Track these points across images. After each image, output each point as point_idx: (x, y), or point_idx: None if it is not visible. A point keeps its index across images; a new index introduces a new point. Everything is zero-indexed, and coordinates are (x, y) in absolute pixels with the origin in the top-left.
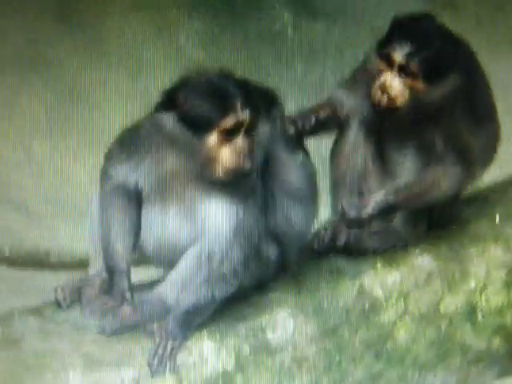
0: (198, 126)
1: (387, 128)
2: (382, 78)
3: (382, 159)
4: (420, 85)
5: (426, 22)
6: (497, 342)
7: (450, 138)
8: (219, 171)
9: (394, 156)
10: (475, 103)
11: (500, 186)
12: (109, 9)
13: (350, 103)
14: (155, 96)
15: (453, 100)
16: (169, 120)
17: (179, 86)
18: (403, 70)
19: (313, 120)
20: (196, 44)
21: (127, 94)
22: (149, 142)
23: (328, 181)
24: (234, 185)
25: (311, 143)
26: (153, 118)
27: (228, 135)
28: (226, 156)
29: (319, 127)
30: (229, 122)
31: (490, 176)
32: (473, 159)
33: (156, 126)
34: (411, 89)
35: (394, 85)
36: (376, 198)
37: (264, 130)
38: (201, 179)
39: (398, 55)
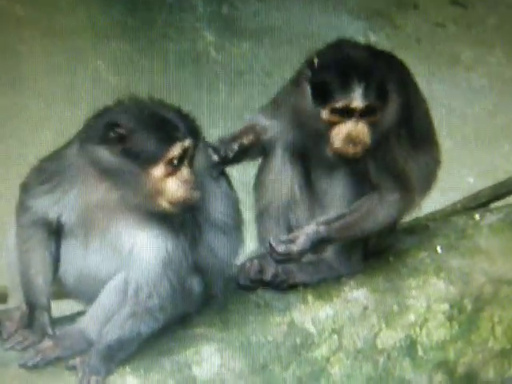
0: (143, 158)
1: (315, 154)
2: (345, 130)
3: (310, 187)
4: (377, 118)
5: (354, 53)
6: (439, 377)
7: (385, 164)
8: (165, 203)
9: (322, 184)
10: (413, 128)
11: (442, 214)
12: (22, 33)
13: (273, 128)
14: (71, 122)
15: (387, 131)
16: (105, 152)
17: (114, 116)
18: (364, 113)
19: (236, 147)
20: (114, 68)
21: (42, 121)
22: (75, 174)
23: (253, 210)
24: (165, 218)
25: (235, 171)
26: (83, 150)
27: (173, 166)
28: (174, 188)
29: (242, 154)
30: (175, 151)
31: (431, 203)
32: (411, 186)
33: (87, 158)
34: (371, 125)
35: (361, 131)
36: (306, 231)
37: (197, 157)
38: (132, 212)
39: (358, 102)
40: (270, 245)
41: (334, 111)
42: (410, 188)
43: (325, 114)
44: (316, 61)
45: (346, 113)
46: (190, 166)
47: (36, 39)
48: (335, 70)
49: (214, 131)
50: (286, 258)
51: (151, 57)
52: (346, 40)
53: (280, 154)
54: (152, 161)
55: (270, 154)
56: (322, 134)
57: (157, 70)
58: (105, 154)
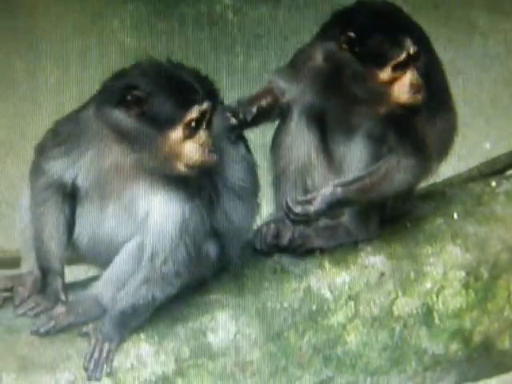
0: (161, 122)
1: (332, 118)
2: (408, 80)
3: (327, 151)
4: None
5: (388, 9)
6: (454, 346)
7: (403, 130)
8: (182, 166)
9: (340, 148)
10: (430, 93)
11: (458, 180)
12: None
13: (291, 90)
14: (88, 85)
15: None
16: (121, 115)
17: (131, 79)
18: (415, 60)
19: (254, 110)
20: (130, 30)
21: (58, 84)
22: (91, 136)
23: (270, 173)
24: (181, 182)
25: (252, 134)
26: (99, 112)
27: (191, 129)
28: (191, 151)
29: (261, 117)
30: (193, 114)
31: (448, 169)
32: (428, 151)
33: (104, 121)
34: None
35: (418, 78)
36: (323, 192)
37: (215, 120)
38: (148, 176)
39: (413, 49)
40: (287, 205)
41: (396, 67)
42: (427, 154)
43: (385, 73)
44: (353, 25)
45: (406, 64)
46: (208, 128)
47: (51, 1)
48: (383, 28)
49: (232, 94)
50: (303, 219)
51: (168, 19)
52: (365, 1)
53: (297, 117)
54: (170, 124)
55: (287, 116)
56: (354, 96)
57: (174, 33)
58: (122, 116)
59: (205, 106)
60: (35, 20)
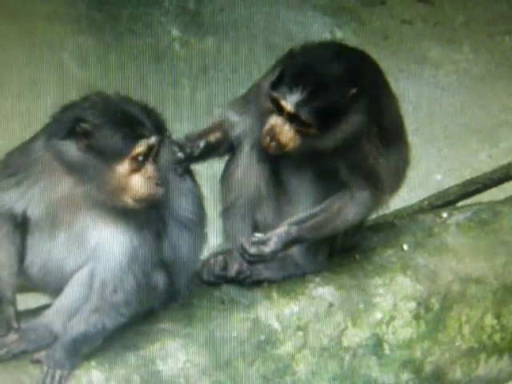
0: (108, 155)
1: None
2: (271, 122)
3: (277, 184)
4: (312, 131)
5: (321, 59)
6: (405, 376)
7: (355, 164)
8: (129, 200)
9: (291, 182)
10: (383, 127)
11: (409, 211)
12: None
13: (242, 124)
14: (38, 116)
15: (355, 135)
16: (69, 148)
17: (79, 111)
18: (293, 119)
19: (202, 145)
20: (80, 62)
21: (9, 115)
22: (41, 168)
23: (218, 206)
24: (130, 213)
25: (200, 165)
26: (48, 144)
27: (138, 163)
28: (138, 184)
29: (209, 152)
30: (140, 148)
31: (398, 200)
32: (381, 184)
33: (53, 153)
34: (304, 134)
35: (284, 131)
36: (278, 232)
37: (162, 153)
38: (97, 206)
39: (288, 104)
40: (242, 246)
41: (271, 100)
42: (380, 186)
43: (267, 101)
44: (282, 60)
45: (280, 109)
46: (155, 162)
47: (1, 32)
48: (290, 70)
49: (178, 126)
50: (258, 260)
51: (117, 51)
52: (326, 41)
53: (248, 150)
54: (117, 157)
55: (237, 149)
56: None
57: (122, 65)
58: (70, 148)
59: (152, 140)
60: None
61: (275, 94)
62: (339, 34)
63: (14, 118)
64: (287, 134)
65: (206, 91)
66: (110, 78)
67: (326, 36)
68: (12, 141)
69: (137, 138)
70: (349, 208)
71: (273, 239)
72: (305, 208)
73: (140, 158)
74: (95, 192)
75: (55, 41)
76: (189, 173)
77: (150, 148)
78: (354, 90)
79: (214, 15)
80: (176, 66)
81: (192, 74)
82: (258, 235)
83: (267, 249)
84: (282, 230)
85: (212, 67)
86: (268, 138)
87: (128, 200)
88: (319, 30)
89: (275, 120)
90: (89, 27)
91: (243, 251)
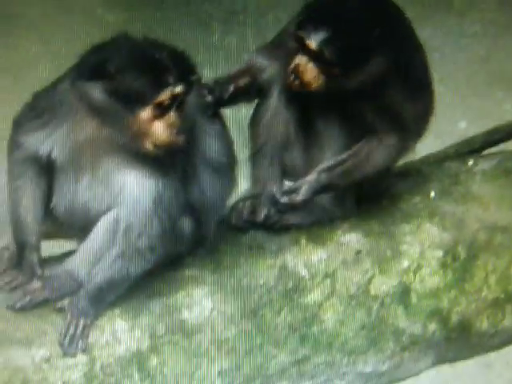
0: (131, 100)
1: (312, 97)
2: (296, 61)
3: (306, 129)
4: (336, 71)
5: (348, 2)
6: (432, 326)
7: (381, 108)
8: (150, 146)
9: (319, 126)
10: (408, 75)
11: (435, 158)
12: None
13: (271, 69)
14: (68, 59)
15: (380, 79)
16: (94, 89)
17: (107, 53)
18: (317, 57)
19: (231, 88)
20: (109, 5)
21: (37, 58)
22: (66, 109)
23: (246, 151)
24: (155, 156)
25: (229, 109)
26: (74, 85)
27: (161, 109)
28: (159, 131)
29: (238, 96)
30: (164, 96)
31: (424, 147)
32: (407, 128)
33: (78, 94)
34: (327, 74)
35: (308, 70)
36: (308, 180)
37: (190, 98)
38: (122, 150)
39: (312, 42)
40: (273, 196)
41: (296, 39)
42: (407, 131)
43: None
44: (309, 4)
45: (304, 48)
46: (181, 109)
47: None
48: (315, 10)
49: (207, 71)
50: (289, 208)
51: None
52: None
53: (276, 95)
54: (139, 103)
55: (266, 94)
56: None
57: (152, 8)
58: (94, 90)
59: (177, 89)
60: None
61: (300, 33)
62: None
63: (44, 61)
64: (311, 72)
65: (235, 35)
66: (140, 23)
67: None
68: (41, 84)
69: (161, 85)
70: (377, 152)
71: (303, 187)
72: (334, 153)
73: (163, 105)
74: (118, 136)
75: None
76: (218, 116)
77: (175, 96)
78: (378, 31)
79: None
80: (205, 10)
81: (221, 18)
82: (289, 184)
83: (298, 197)
84: (312, 177)
85: (241, 11)
86: (292, 76)
87: (149, 145)
88: None
89: (300, 59)
90: None
91: (274, 201)
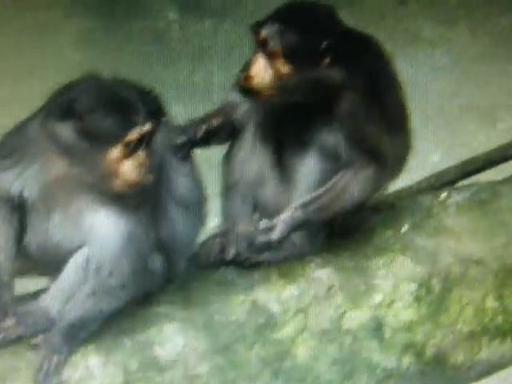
0: (100, 139)
1: (286, 131)
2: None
3: (280, 165)
4: (281, 65)
5: (312, 8)
6: (407, 360)
7: (356, 139)
8: (119, 185)
9: (293, 162)
10: (383, 106)
11: (408, 192)
12: None
13: (245, 105)
14: (37, 98)
15: (336, 95)
16: (63, 129)
17: (74, 94)
18: (264, 48)
19: (204, 128)
20: (76, 44)
21: (8, 100)
22: (36, 148)
23: (216, 187)
24: (125, 195)
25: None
26: (44, 125)
27: (130, 149)
28: (128, 171)
29: (211, 137)
30: (133, 136)
31: (397, 181)
32: (385, 160)
33: (47, 134)
34: (275, 68)
35: (256, 62)
36: (283, 218)
37: (159, 136)
38: (92, 189)
39: (261, 32)
40: (249, 235)
41: (253, 33)
42: (384, 164)
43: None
44: None
45: (257, 41)
46: (148, 148)
47: (1, 15)
48: (275, 10)
49: (177, 107)
50: (266, 247)
51: (114, 34)
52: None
53: (251, 131)
54: (108, 142)
55: (240, 132)
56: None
57: (120, 48)
58: (63, 130)
59: (146, 127)
60: None
61: (253, 27)
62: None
63: (13, 102)
64: (259, 65)
65: (202, 73)
66: (108, 61)
67: None
68: (12, 123)
69: (130, 125)
70: (353, 185)
71: (279, 225)
72: (309, 188)
73: (132, 145)
74: (87, 175)
75: (52, 24)
76: (189, 156)
77: (143, 135)
78: (327, 41)
79: None
80: (174, 48)
81: (189, 55)
82: (262, 222)
83: (274, 236)
84: (287, 214)
85: (210, 48)
86: (243, 73)
87: (118, 185)
88: None
89: (254, 55)
90: (86, 11)
91: (250, 240)
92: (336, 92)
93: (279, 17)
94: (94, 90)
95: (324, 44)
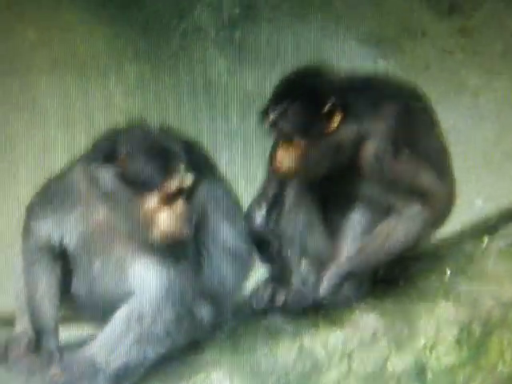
0: (138, 185)
1: (330, 185)
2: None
3: (326, 217)
4: (298, 143)
5: (302, 76)
6: None
7: (392, 182)
8: (155, 234)
9: (339, 213)
10: (414, 141)
11: (449, 239)
12: (35, 57)
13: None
14: (83, 144)
15: (371, 147)
16: (105, 174)
17: (119, 139)
18: (278, 131)
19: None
20: (126, 91)
21: (55, 146)
22: (77, 195)
23: None
24: (166, 245)
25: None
26: (85, 169)
27: (169, 198)
28: (165, 220)
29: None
30: (171, 185)
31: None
32: (430, 194)
33: (89, 179)
34: (295, 148)
35: (280, 151)
36: (331, 274)
37: (201, 188)
38: (132, 236)
39: (270, 117)
40: (299, 294)
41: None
42: (431, 197)
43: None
44: None
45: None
46: (188, 199)
47: (48, 63)
48: (274, 90)
49: (225, 155)
50: (316, 303)
51: (164, 81)
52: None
53: (295, 187)
54: (147, 189)
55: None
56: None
57: (169, 95)
58: (104, 174)
59: (186, 178)
60: (32, 81)
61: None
62: (382, 64)
63: (59, 148)
64: (282, 151)
65: (252, 122)
66: (156, 108)
67: (369, 66)
68: (56, 171)
69: (169, 174)
70: (398, 228)
71: (326, 281)
72: (355, 240)
73: (170, 195)
74: (125, 222)
75: (102, 70)
76: (233, 200)
77: (182, 186)
78: (331, 102)
79: (261, 45)
80: (223, 97)
81: (238, 105)
82: (312, 277)
83: (322, 293)
84: (332, 269)
85: (260, 97)
86: (277, 164)
87: (154, 234)
88: (363, 59)
89: (279, 145)
90: (136, 59)
91: (300, 296)
92: (360, 145)
93: (278, 97)
94: (138, 136)
95: (327, 106)
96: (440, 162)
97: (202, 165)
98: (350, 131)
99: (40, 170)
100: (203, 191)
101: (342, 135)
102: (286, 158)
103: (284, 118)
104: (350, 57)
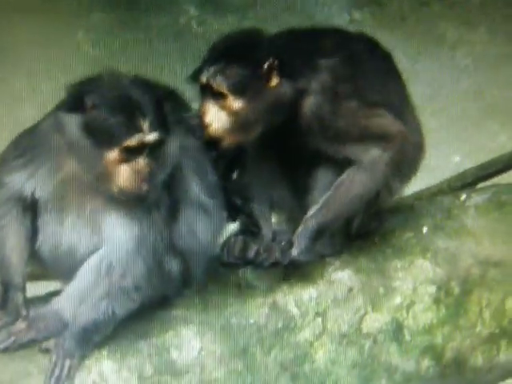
0: (99, 137)
1: (285, 145)
2: (201, 107)
3: (289, 172)
4: (232, 103)
5: (241, 37)
6: (426, 362)
7: (338, 135)
8: (115, 189)
9: (303, 171)
10: (360, 89)
11: (427, 193)
12: (3, 6)
13: None
14: (51, 96)
15: (309, 103)
16: (71, 121)
17: (89, 87)
18: (211, 93)
19: None
20: (95, 40)
21: (22, 94)
22: (47, 146)
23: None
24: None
25: None
26: (54, 117)
27: (129, 154)
28: (124, 176)
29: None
30: (132, 141)
31: (417, 182)
32: (388, 134)
33: (56, 126)
34: (226, 108)
35: (207, 110)
36: (299, 232)
37: (174, 140)
38: (100, 190)
39: (203, 77)
40: (275, 259)
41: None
42: (389, 137)
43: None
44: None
45: (203, 89)
46: (153, 156)
47: (16, 11)
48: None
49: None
50: (293, 264)
51: (134, 30)
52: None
53: (255, 149)
54: (108, 143)
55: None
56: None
57: (140, 44)
58: (71, 123)
59: (149, 137)
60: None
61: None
62: (357, 16)
63: (29, 98)
64: (209, 113)
65: None
66: (126, 58)
67: (345, 17)
68: (26, 121)
69: (132, 130)
70: (359, 175)
71: (297, 241)
72: (319, 195)
73: (132, 151)
74: (91, 175)
75: (70, 19)
76: (204, 154)
77: (144, 144)
78: (268, 61)
79: None
80: (193, 45)
81: None
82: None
83: (295, 252)
84: (301, 229)
85: None
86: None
87: (114, 189)
88: (337, 11)
89: (204, 103)
90: (105, 7)
91: (272, 253)
92: (298, 104)
93: (214, 58)
94: (107, 86)
95: (265, 65)
96: (399, 107)
97: (177, 115)
98: (287, 90)
99: (10, 119)
100: (176, 143)
101: (279, 94)
102: (217, 118)
103: (220, 78)
104: (324, 7)
